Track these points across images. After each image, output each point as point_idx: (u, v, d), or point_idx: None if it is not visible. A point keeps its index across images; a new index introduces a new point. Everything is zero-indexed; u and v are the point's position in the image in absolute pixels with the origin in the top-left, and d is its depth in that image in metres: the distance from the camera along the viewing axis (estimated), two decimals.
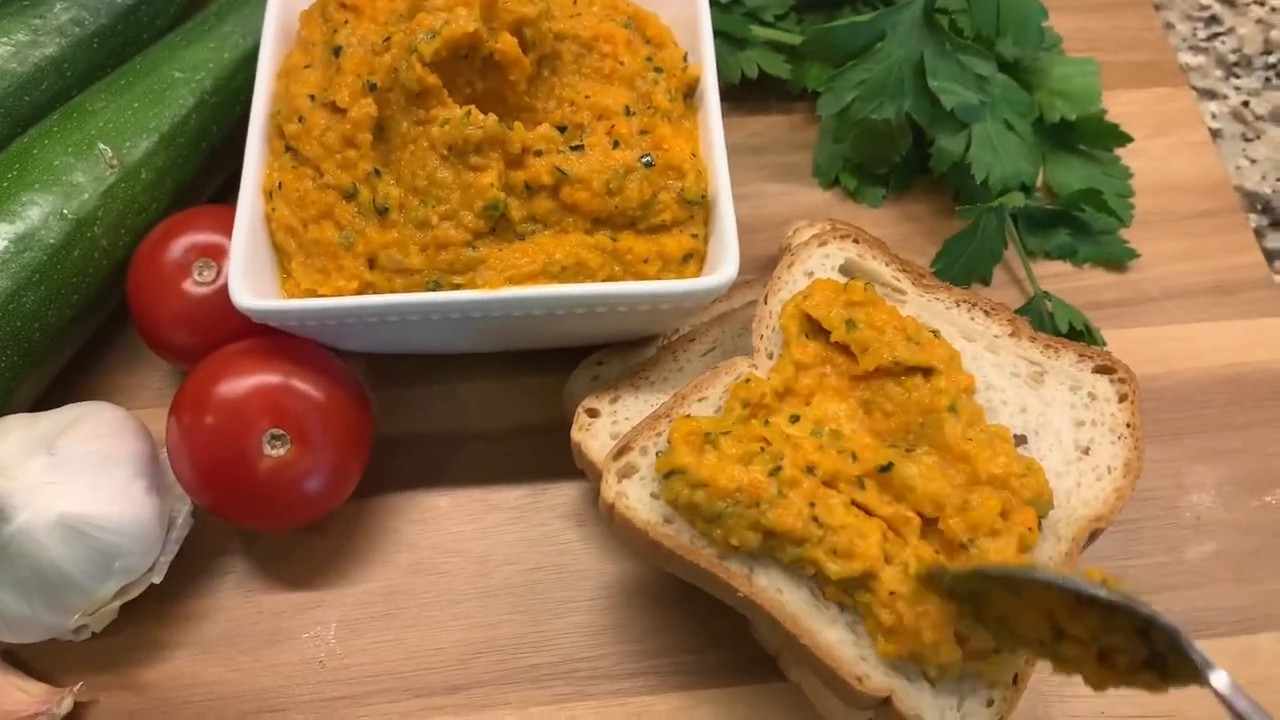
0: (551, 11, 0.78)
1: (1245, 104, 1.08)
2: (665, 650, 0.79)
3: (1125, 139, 0.96)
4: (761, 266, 0.91)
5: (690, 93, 0.82)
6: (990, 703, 0.67)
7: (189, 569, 0.81)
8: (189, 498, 0.78)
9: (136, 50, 0.93)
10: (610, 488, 0.71)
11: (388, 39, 0.74)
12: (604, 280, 0.75)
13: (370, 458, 0.81)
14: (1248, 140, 1.05)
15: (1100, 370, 0.76)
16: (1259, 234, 0.99)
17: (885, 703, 0.66)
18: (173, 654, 0.79)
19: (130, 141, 0.85)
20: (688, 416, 0.71)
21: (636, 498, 0.71)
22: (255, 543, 0.82)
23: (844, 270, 0.79)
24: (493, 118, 0.72)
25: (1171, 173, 1.00)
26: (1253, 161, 1.04)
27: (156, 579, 0.77)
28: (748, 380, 0.72)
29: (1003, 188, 0.92)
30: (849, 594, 0.66)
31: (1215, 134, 1.05)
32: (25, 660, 0.77)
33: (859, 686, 0.66)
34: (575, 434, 0.77)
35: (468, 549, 0.82)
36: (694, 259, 0.78)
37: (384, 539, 0.83)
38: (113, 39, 0.93)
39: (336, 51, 0.76)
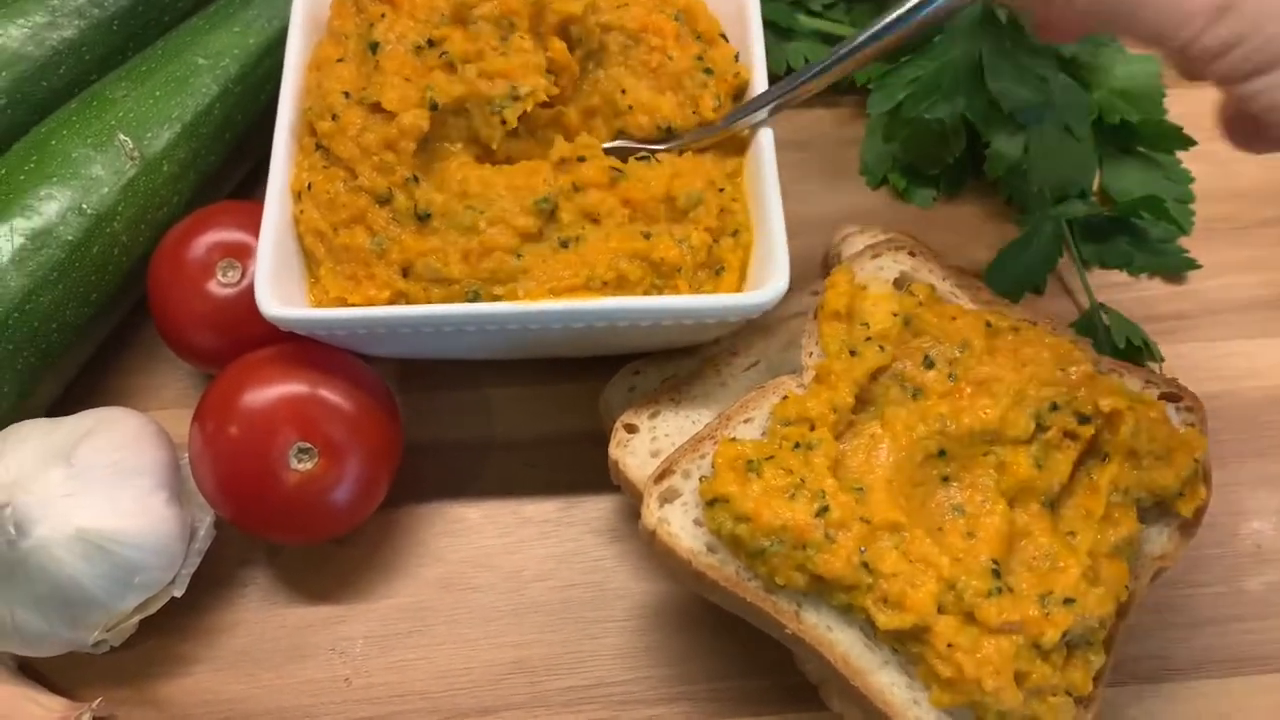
0: (598, 4, 0.74)
1: None
2: (702, 676, 0.76)
3: (1188, 142, 0.92)
4: (805, 270, 0.87)
5: (739, 95, 0.78)
6: None
7: (211, 581, 0.78)
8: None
9: (158, 33, 0.89)
10: (651, 513, 0.68)
11: (444, 54, 0.72)
12: (644, 293, 0.72)
13: (398, 466, 0.78)
14: None
15: (1166, 397, 0.72)
16: None
17: None
18: (193, 668, 0.76)
19: (152, 132, 0.81)
20: (732, 440, 0.67)
21: (679, 524, 0.67)
22: (279, 554, 0.80)
23: (898, 285, 0.76)
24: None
25: (1233, 178, 0.96)
26: None
27: (178, 592, 0.74)
28: (794, 402, 0.69)
29: (1060, 194, 0.88)
30: (901, 643, 0.63)
31: None
32: (43, 673, 0.75)
33: None
34: (613, 450, 0.74)
35: (498, 564, 0.79)
36: (731, 271, 0.75)
37: (412, 552, 0.80)
38: (133, 21, 0.88)
39: (373, 48, 0.72)
